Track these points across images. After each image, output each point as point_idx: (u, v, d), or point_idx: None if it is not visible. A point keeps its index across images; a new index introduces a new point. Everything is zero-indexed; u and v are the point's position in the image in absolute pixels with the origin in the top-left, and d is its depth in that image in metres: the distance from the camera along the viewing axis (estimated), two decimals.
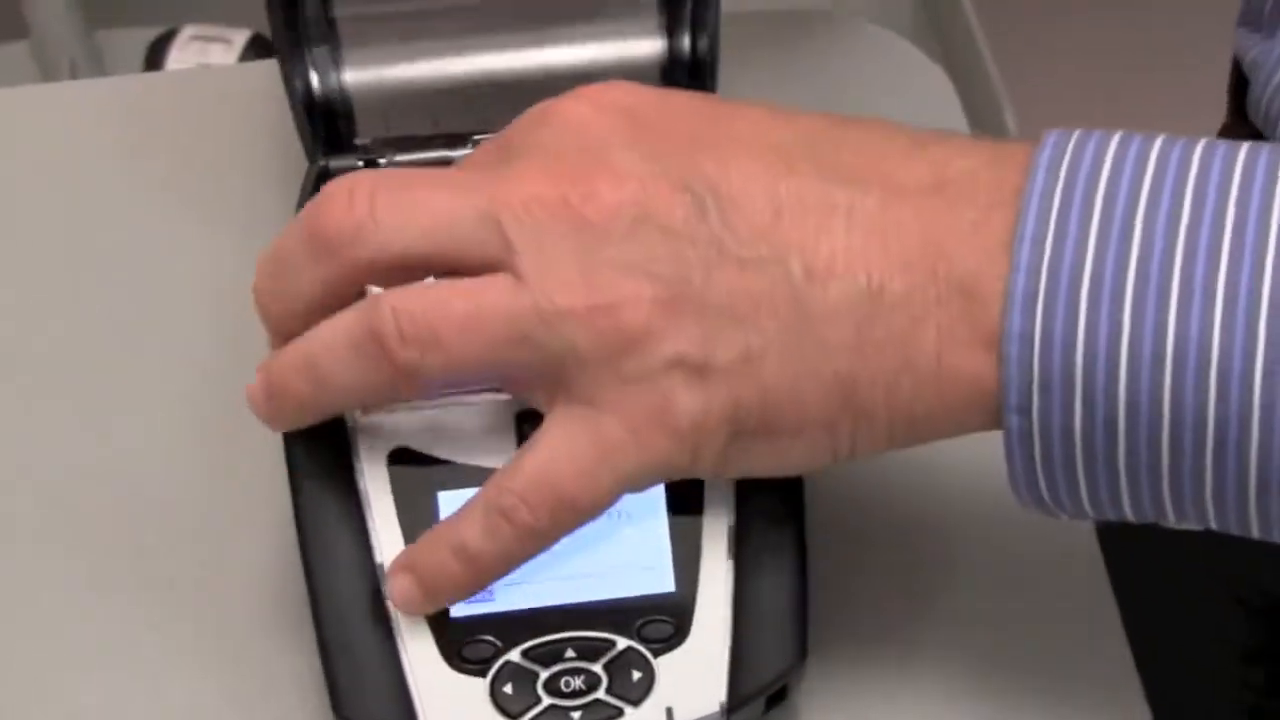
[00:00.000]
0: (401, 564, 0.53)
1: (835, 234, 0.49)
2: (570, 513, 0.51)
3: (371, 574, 0.55)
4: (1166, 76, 1.83)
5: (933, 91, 0.76)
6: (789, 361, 0.49)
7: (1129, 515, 0.50)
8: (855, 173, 0.50)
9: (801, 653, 0.55)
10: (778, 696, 0.56)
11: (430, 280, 0.52)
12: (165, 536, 0.62)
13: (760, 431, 0.50)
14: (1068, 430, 0.48)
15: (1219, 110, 0.78)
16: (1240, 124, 0.74)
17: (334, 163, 0.64)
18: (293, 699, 0.58)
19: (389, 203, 0.51)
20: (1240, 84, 0.73)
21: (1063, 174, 0.48)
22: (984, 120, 1.59)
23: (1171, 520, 0.49)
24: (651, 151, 0.51)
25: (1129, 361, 0.46)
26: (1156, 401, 0.46)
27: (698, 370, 0.50)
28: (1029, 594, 0.61)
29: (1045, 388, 0.47)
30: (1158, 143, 0.48)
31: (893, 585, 0.60)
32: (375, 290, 0.52)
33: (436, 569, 0.53)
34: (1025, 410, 0.48)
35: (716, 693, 0.54)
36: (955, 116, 0.74)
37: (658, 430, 0.50)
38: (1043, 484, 0.49)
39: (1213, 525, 0.49)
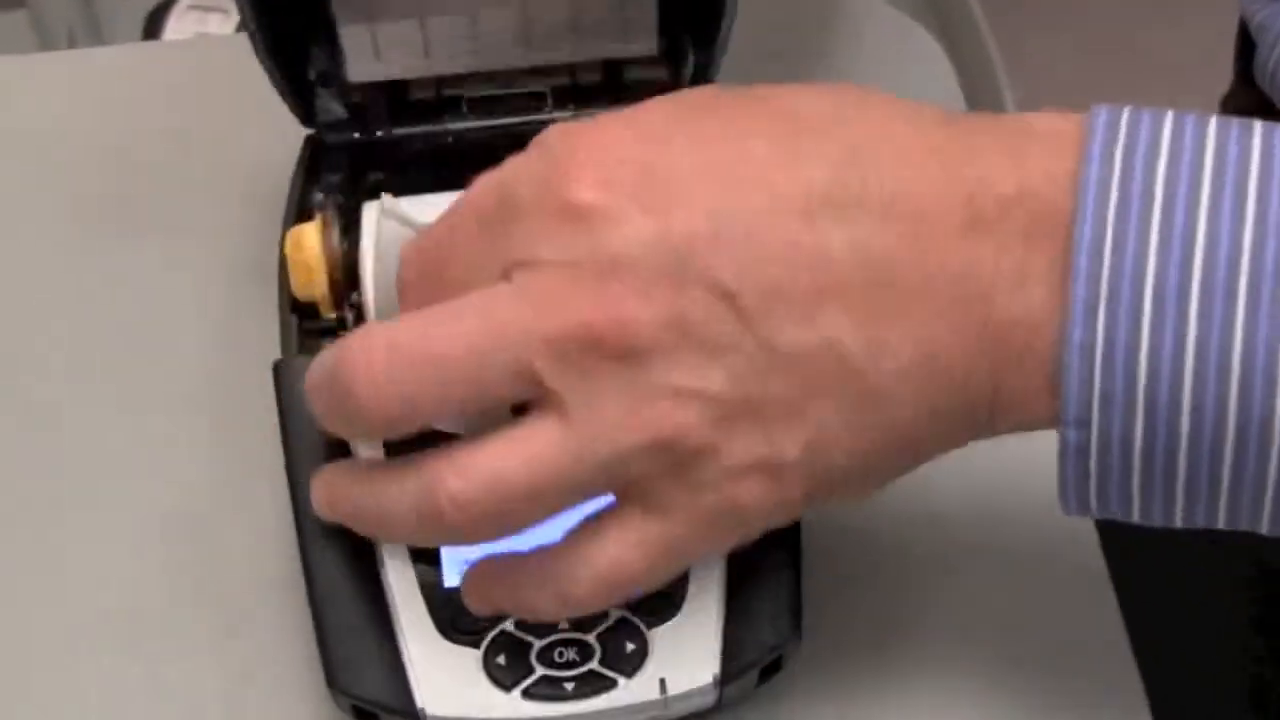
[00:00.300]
0: (474, 581, 0.52)
1: (878, 303, 0.47)
2: (628, 596, 0.51)
3: (365, 545, 0.55)
4: (1166, 47, 1.83)
5: (928, 64, 0.75)
6: (855, 441, 0.48)
7: (1177, 522, 0.49)
8: (887, 221, 0.47)
9: (796, 626, 0.55)
10: (772, 669, 0.56)
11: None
12: (161, 512, 0.63)
13: (830, 496, 0.50)
14: (1127, 442, 0.46)
15: (1223, 80, 0.78)
16: (1245, 87, 0.73)
17: (330, 137, 0.64)
18: (288, 673, 0.59)
19: (410, 365, 0.48)
20: (1246, 47, 0.72)
21: (1115, 184, 0.46)
22: (980, 93, 1.59)
23: (1221, 525, 0.49)
24: (672, 244, 0.46)
25: (1195, 372, 0.45)
26: (1222, 410, 0.45)
27: (766, 469, 0.48)
28: (1024, 565, 0.61)
29: (1106, 400, 0.46)
30: (1212, 129, 0.46)
31: (889, 563, 0.60)
32: None
33: (498, 600, 0.52)
34: (1084, 423, 0.46)
35: (710, 665, 0.54)
36: (951, 90, 0.74)
37: (732, 529, 0.49)
38: (1093, 495, 0.48)
39: (1263, 529, 0.48)
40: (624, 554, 0.49)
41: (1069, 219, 0.46)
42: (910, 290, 0.47)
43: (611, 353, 0.46)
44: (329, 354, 0.49)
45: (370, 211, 0.57)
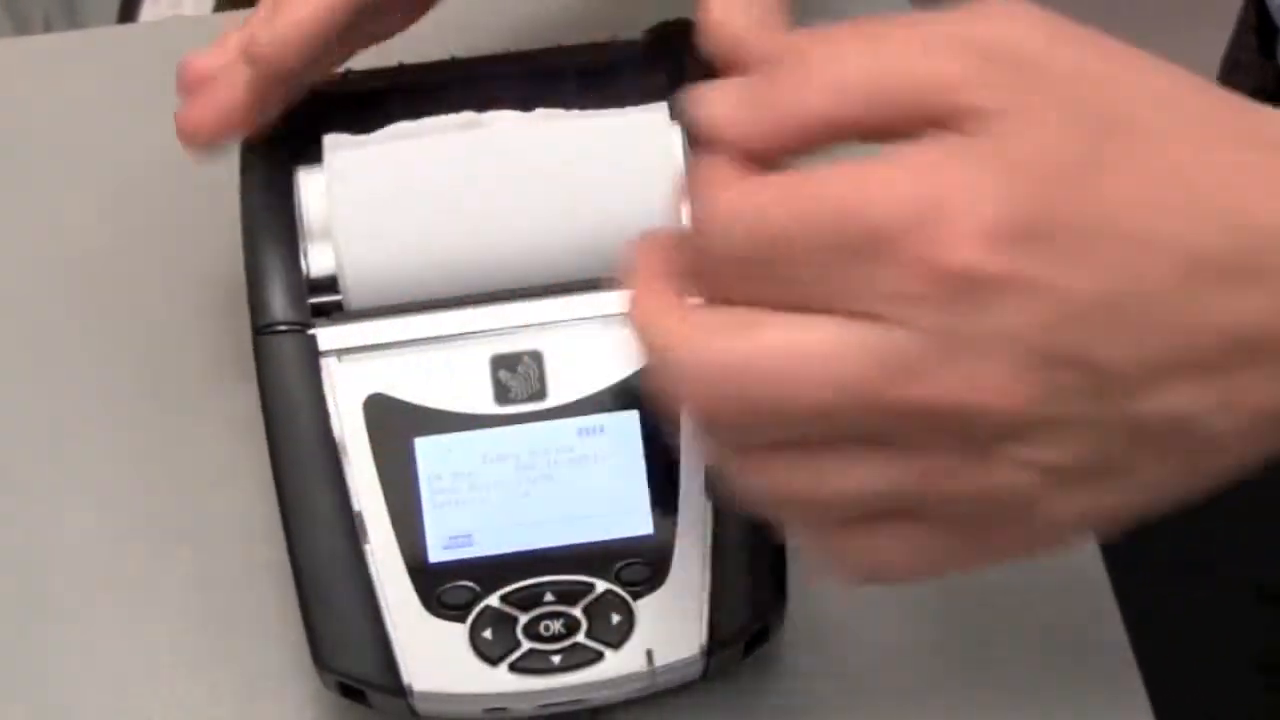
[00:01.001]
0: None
1: (1234, 371, 0.45)
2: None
3: (349, 522, 0.55)
4: (1151, 29, 1.83)
5: None
6: (1175, 489, 0.47)
7: None
8: (1261, 288, 0.44)
9: (782, 596, 0.55)
10: (758, 639, 0.56)
11: None
12: (145, 491, 0.63)
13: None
14: None
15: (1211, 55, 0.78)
16: (1261, 60, 0.72)
17: None
18: (273, 650, 0.59)
19: (740, 398, 0.44)
20: (1264, 25, 0.71)
21: None
22: None
23: None
24: (1053, 320, 0.43)
25: None
26: None
27: (1084, 523, 0.47)
28: None
29: None
30: None
31: None
32: None
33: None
34: None
35: (696, 636, 0.54)
36: None
37: (1009, 558, 0.48)
38: None
39: None
40: (911, 560, 0.47)
41: None
42: (1271, 357, 0.45)
43: (957, 427, 0.44)
44: (655, 332, 0.46)
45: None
